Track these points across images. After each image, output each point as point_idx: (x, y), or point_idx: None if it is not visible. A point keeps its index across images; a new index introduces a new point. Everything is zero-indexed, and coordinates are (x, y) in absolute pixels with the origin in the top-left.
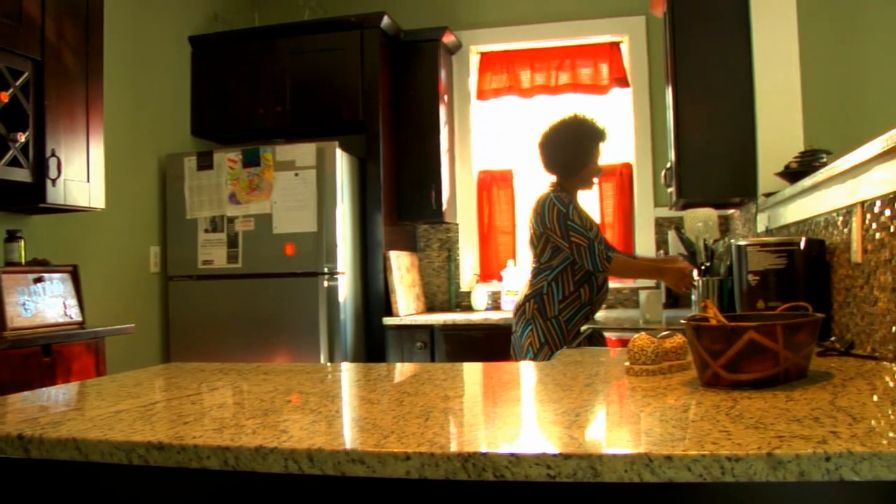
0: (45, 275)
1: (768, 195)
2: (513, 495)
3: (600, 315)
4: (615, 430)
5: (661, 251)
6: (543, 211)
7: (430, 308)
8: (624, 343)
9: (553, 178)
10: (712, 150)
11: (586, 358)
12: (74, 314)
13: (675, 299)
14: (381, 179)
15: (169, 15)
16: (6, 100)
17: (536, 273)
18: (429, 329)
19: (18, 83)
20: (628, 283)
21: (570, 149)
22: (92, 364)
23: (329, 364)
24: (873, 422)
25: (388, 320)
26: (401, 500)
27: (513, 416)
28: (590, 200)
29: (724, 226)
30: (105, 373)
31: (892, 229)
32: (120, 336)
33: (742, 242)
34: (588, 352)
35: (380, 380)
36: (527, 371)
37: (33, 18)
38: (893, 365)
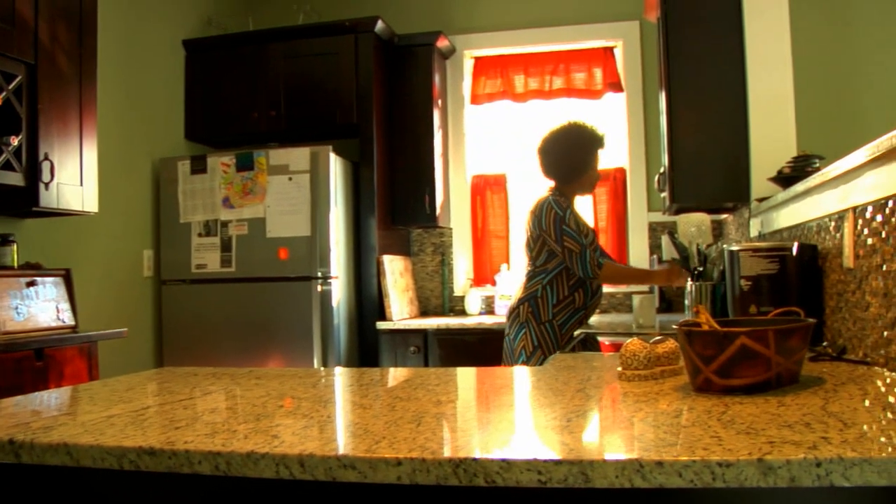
0: (38, 279)
1: (761, 200)
2: (504, 500)
3: (594, 319)
4: (606, 436)
5: (655, 256)
6: (541, 213)
7: (424, 312)
8: (618, 347)
9: (552, 184)
10: (706, 155)
11: (579, 363)
12: (67, 318)
13: (669, 304)
14: (374, 183)
15: (163, 18)
16: None
17: (531, 276)
18: (422, 333)
19: (11, 86)
20: (622, 288)
21: (570, 155)
22: (85, 368)
23: (322, 368)
24: (865, 427)
25: (381, 324)
26: None
27: (504, 421)
28: (584, 205)
29: (718, 230)
30: (98, 377)
31: (883, 234)
32: (113, 340)
33: (734, 248)
34: (581, 357)
35: (372, 385)
36: (519, 376)
37: (27, 21)
38: (885, 370)
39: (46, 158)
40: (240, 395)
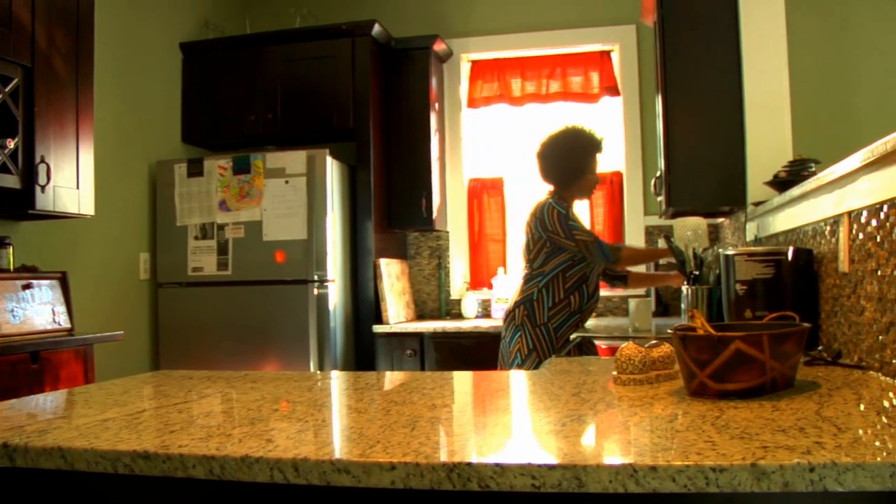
0: (34, 281)
1: (757, 204)
2: None
3: (591, 323)
4: (601, 440)
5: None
6: (543, 215)
7: (420, 316)
8: (614, 351)
9: (550, 188)
10: (702, 159)
11: (574, 367)
12: (63, 321)
13: (665, 308)
14: (371, 187)
15: (160, 21)
16: None
17: (528, 279)
18: (419, 337)
19: (8, 89)
20: (619, 292)
21: (569, 159)
22: (80, 371)
23: (318, 372)
24: (859, 432)
25: (377, 328)
26: None
27: (499, 425)
28: (581, 209)
29: (714, 234)
30: (94, 380)
31: (878, 239)
32: (109, 343)
33: (729, 252)
34: (576, 360)
35: (368, 388)
36: (515, 380)
37: (23, 25)
38: (880, 374)
39: (43, 161)
40: (235, 399)
